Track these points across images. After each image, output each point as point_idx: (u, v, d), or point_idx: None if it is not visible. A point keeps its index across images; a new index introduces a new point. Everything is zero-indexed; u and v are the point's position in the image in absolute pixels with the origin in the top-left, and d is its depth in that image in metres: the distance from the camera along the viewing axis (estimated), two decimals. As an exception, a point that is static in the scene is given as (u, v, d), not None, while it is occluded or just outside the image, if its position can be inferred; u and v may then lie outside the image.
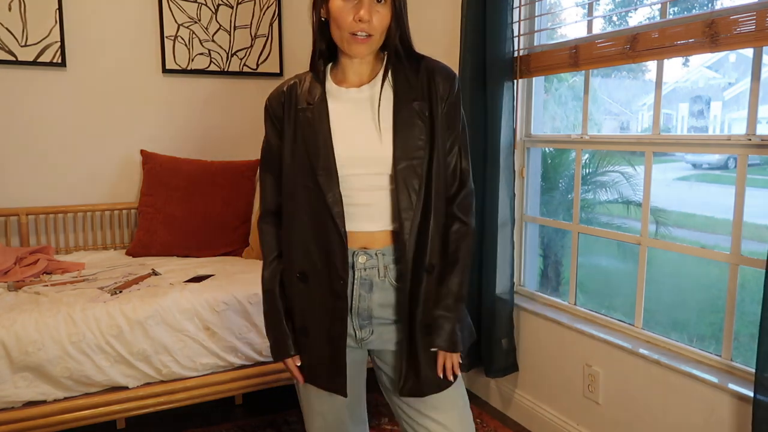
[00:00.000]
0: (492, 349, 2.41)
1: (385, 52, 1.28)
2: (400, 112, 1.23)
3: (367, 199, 1.25)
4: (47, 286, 2.29)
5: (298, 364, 1.34)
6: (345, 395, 1.31)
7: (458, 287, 1.29)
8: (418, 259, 1.25)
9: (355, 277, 1.27)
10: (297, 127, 1.27)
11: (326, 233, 1.24)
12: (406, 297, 1.26)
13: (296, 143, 1.27)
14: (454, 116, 1.29)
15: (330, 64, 1.31)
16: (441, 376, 1.29)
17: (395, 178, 1.22)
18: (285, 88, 1.32)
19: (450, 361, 1.29)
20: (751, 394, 1.55)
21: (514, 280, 2.49)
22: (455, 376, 1.31)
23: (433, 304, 1.28)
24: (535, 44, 2.38)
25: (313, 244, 1.27)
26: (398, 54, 1.26)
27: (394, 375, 1.34)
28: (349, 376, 1.33)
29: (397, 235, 1.25)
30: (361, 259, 1.26)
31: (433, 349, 1.27)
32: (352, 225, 1.26)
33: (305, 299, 1.30)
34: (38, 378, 1.97)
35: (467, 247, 1.31)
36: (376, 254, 1.26)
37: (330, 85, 1.29)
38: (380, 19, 1.18)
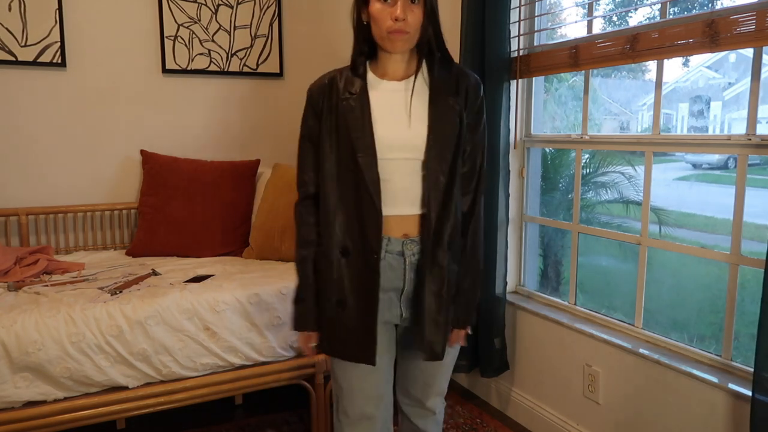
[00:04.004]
0: (487, 350, 2.41)
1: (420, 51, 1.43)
2: (436, 104, 1.37)
3: (404, 183, 1.37)
4: (47, 286, 2.29)
5: (313, 344, 1.49)
6: (374, 363, 1.42)
7: (471, 289, 1.48)
8: (438, 237, 1.38)
9: (407, 263, 1.40)
10: (339, 116, 1.38)
11: (365, 211, 1.35)
12: (423, 273, 1.39)
13: (339, 130, 1.38)
14: (477, 122, 1.44)
15: (368, 61, 1.44)
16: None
17: (427, 164, 1.35)
18: (327, 80, 1.44)
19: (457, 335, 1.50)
20: (751, 394, 1.55)
21: (514, 280, 2.49)
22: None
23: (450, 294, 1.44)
24: (535, 44, 2.38)
25: (355, 221, 1.37)
26: (432, 52, 1.40)
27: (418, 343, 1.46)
28: (389, 352, 1.50)
29: (424, 217, 1.37)
30: (410, 248, 1.39)
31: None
32: (393, 209, 1.37)
33: (345, 273, 1.39)
34: (38, 378, 1.97)
35: (481, 247, 1.50)
36: (415, 241, 1.40)
37: (371, 76, 1.42)
38: (414, 17, 1.33)
